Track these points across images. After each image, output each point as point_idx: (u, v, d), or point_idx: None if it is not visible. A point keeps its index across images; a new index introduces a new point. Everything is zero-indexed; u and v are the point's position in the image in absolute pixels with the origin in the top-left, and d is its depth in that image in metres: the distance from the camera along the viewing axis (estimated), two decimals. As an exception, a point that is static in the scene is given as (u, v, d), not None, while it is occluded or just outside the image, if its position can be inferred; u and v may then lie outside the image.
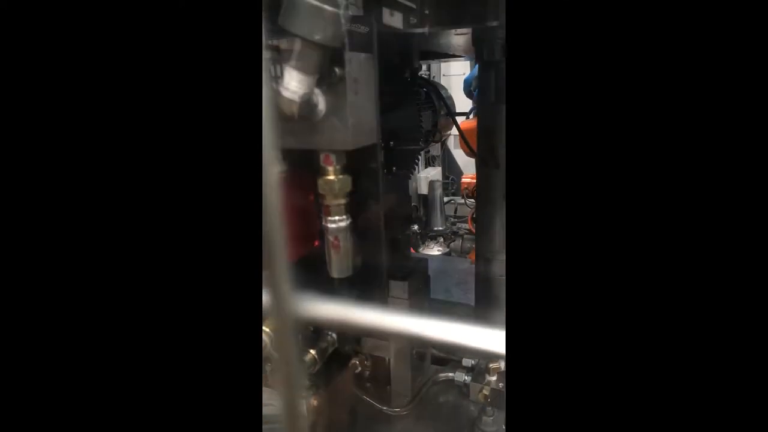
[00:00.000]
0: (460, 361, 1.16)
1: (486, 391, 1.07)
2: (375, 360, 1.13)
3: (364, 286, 0.68)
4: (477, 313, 1.34)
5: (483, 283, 1.31)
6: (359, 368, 1.12)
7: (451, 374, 1.14)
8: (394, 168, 1.11)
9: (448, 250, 2.79)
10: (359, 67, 0.56)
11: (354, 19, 0.54)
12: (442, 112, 1.39)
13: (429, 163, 3.29)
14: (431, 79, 3.41)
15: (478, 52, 0.91)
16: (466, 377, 1.10)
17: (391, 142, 1.09)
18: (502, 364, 1.09)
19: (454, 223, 2.89)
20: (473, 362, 1.14)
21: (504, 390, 1.07)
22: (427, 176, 3.03)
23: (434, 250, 2.78)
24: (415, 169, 1.24)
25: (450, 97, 1.47)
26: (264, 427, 0.41)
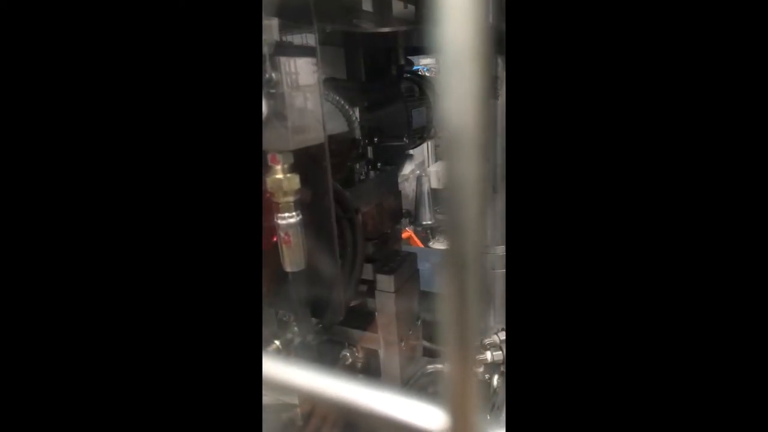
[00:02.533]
0: (450, 353, 1.17)
1: (472, 382, 1.08)
2: (366, 352, 1.16)
3: (319, 279, 0.71)
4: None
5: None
6: (350, 360, 1.15)
7: (440, 366, 1.15)
8: (379, 164, 1.13)
9: (458, 243, 2.79)
10: (299, 72, 0.58)
11: (291, 27, 0.57)
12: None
13: (439, 156, 3.28)
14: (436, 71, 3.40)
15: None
16: (454, 369, 1.12)
17: (375, 139, 1.11)
18: (488, 355, 1.10)
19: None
20: (462, 354, 1.15)
21: (488, 380, 1.08)
22: (437, 170, 3.03)
23: (444, 243, 2.78)
24: (402, 165, 1.26)
25: None
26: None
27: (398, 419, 0.31)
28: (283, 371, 0.35)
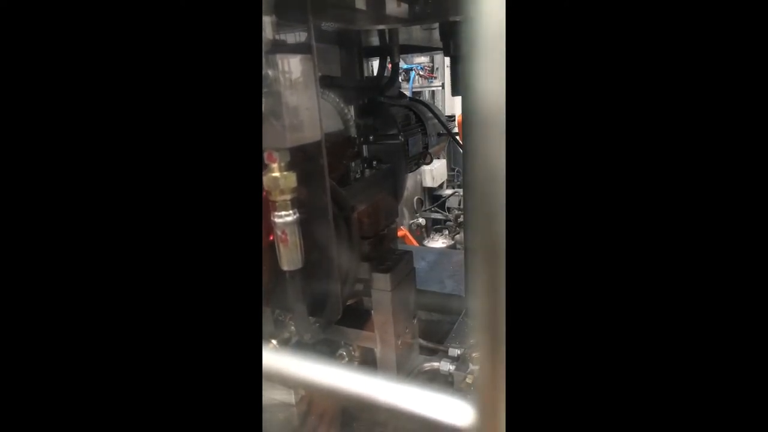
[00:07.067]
0: (447, 351, 1.17)
1: (469, 380, 1.08)
2: (362, 350, 1.15)
3: (316, 278, 0.71)
4: (467, 303, 1.36)
5: (472, 274, 1.33)
6: (346, 358, 1.15)
7: (436, 364, 1.15)
8: (375, 162, 1.13)
9: (453, 242, 2.82)
10: (295, 69, 0.58)
11: (286, 24, 0.56)
12: (436, 133, 1.41)
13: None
14: (434, 70, 3.44)
15: (445, 46, 0.92)
16: (450, 366, 1.11)
17: (371, 137, 1.11)
18: (485, 353, 1.10)
19: (458, 216, 2.91)
20: (459, 352, 1.15)
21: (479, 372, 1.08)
22: (431, 169, 3.04)
23: (439, 242, 2.82)
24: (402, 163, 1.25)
25: (442, 114, 1.49)
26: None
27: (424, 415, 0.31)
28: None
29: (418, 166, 1.39)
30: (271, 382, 0.38)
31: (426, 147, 1.36)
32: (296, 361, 0.36)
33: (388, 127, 1.15)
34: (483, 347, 0.31)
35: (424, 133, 1.34)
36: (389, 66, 1.23)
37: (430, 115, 1.41)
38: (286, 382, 0.36)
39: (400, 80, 1.44)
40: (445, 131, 1.43)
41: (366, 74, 1.34)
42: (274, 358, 0.37)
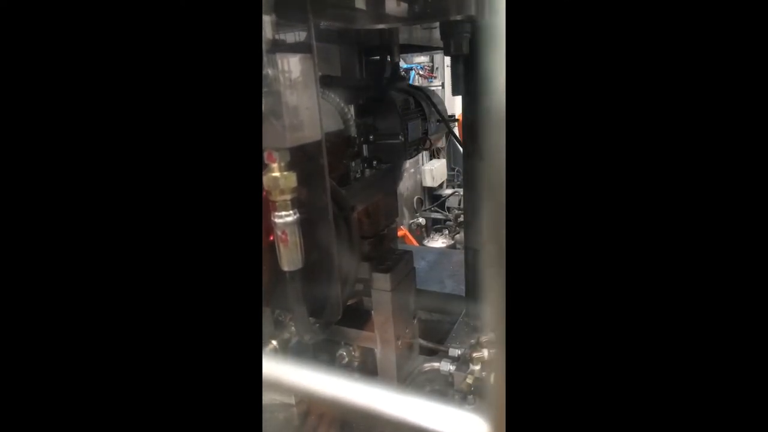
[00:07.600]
0: (447, 351, 1.17)
1: (469, 380, 1.08)
2: (362, 350, 1.15)
3: (316, 278, 0.71)
4: (467, 303, 1.35)
5: (472, 274, 1.32)
6: (346, 359, 1.14)
7: (436, 364, 1.15)
8: (375, 162, 1.12)
9: (453, 242, 2.82)
10: (295, 68, 0.58)
11: (286, 23, 0.56)
12: (434, 120, 1.41)
13: (434, 155, 3.29)
14: (434, 69, 3.45)
15: (446, 45, 0.92)
16: (450, 367, 1.11)
17: (371, 137, 1.10)
18: (485, 353, 1.10)
19: (458, 215, 2.91)
20: (459, 352, 1.15)
21: (486, 378, 1.08)
22: (431, 168, 3.04)
23: (439, 242, 2.82)
24: (402, 163, 1.25)
25: (441, 102, 1.48)
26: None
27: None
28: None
29: (418, 152, 1.38)
30: (270, 390, 0.37)
31: (426, 132, 1.35)
32: (296, 371, 0.36)
33: (388, 112, 1.14)
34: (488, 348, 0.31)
35: (424, 118, 1.33)
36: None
37: (432, 101, 1.40)
38: (285, 392, 0.36)
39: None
40: (441, 119, 1.42)
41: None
42: (275, 367, 0.36)
